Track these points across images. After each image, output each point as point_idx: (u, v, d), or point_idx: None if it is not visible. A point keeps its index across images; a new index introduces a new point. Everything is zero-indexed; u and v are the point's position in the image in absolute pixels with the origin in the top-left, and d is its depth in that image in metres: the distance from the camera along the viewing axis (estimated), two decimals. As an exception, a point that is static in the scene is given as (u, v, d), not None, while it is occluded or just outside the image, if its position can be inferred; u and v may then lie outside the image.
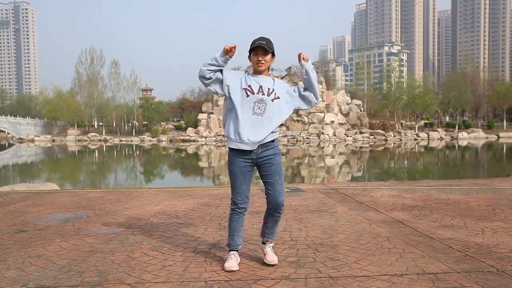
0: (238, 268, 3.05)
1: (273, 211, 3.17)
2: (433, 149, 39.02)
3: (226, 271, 3.02)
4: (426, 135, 57.74)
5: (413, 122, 66.67)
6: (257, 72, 3.13)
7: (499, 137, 58.51)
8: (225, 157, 31.06)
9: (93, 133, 65.87)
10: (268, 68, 3.17)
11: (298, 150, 37.90)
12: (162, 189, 7.55)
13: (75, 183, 16.92)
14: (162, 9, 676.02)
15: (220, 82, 3.12)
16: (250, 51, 3.08)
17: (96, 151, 40.95)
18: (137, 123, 71.03)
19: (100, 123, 74.96)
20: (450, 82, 77.43)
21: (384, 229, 4.25)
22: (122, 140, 61.05)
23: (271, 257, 3.17)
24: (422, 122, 67.23)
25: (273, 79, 3.19)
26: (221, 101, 61.62)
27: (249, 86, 3.06)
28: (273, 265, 3.12)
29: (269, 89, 3.08)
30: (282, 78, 66.03)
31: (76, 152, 40.54)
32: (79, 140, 62.75)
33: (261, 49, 3.04)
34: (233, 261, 3.09)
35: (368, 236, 4.01)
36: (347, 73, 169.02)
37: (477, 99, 76.76)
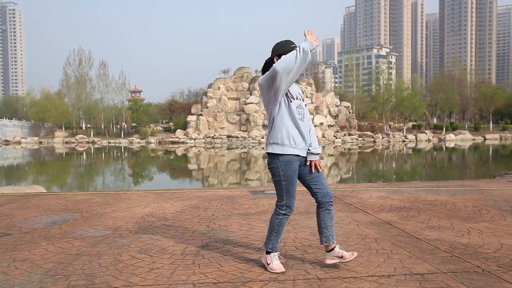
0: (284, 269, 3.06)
1: (327, 205, 3.12)
2: (421, 150, 39.37)
3: (277, 273, 3.01)
4: (414, 137, 58.27)
5: (401, 124, 67.27)
6: None
7: (485, 139, 59.26)
8: (214, 158, 30.99)
9: (81, 135, 65.25)
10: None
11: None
12: (150, 191, 7.51)
13: (62, 185, 16.74)
14: (153, 10, 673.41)
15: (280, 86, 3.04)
16: (286, 53, 3.00)
17: (84, 153, 40.57)
18: (125, 125, 70.57)
19: (88, 125, 74.36)
20: (437, 84, 78.36)
21: (372, 231, 4.27)
22: (110, 142, 60.55)
23: (348, 253, 3.08)
24: (410, 124, 67.88)
25: (298, 86, 3.29)
26: (210, 103, 61.60)
27: (289, 91, 3.09)
28: (331, 264, 3.09)
29: (299, 94, 3.18)
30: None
31: (64, 154, 40.12)
32: (66, 142, 62.12)
33: None
34: (279, 263, 3.10)
35: (356, 237, 4.03)
36: (336, 75, 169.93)
37: (464, 101, 77.74)
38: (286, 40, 3.12)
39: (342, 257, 3.08)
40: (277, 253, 3.16)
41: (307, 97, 61.14)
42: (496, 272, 2.99)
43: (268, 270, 3.08)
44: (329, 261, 3.12)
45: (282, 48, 3.06)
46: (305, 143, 3.11)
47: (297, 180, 3.15)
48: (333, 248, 3.12)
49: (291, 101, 3.05)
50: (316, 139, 3.25)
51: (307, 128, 3.14)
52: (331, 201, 3.15)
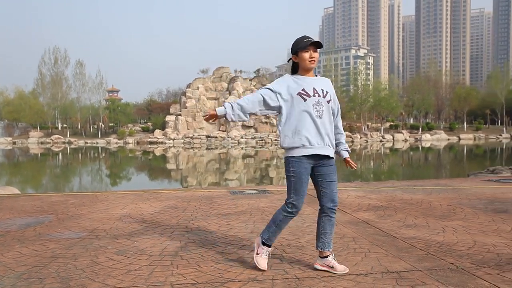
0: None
1: (329, 211, 3.06)
2: (398, 150, 40.01)
3: (259, 268, 3.03)
4: (391, 137, 59.19)
5: (379, 124, 68.23)
6: (308, 70, 3.04)
7: (460, 139, 60.63)
8: (193, 158, 30.83)
9: (56, 135, 63.99)
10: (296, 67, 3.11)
11: (266, 152, 38.07)
12: (128, 192, 7.41)
13: (37, 187, 16.39)
14: (131, 8, 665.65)
15: (268, 103, 3.05)
16: (300, 49, 2.97)
17: (60, 154, 39.79)
18: (103, 125, 69.54)
19: (64, 125, 72.95)
20: (414, 85, 79.82)
21: (350, 230, 4.32)
22: (87, 142, 59.56)
23: (341, 267, 3.02)
24: (388, 124, 68.90)
25: (326, 80, 3.15)
26: (188, 103, 61.28)
27: (303, 89, 2.99)
28: (343, 273, 2.99)
29: (323, 90, 3.03)
30: (250, 80, 66.29)
31: (39, 154, 39.27)
32: (42, 143, 60.81)
33: (313, 46, 2.98)
34: (265, 260, 3.09)
35: (335, 236, 4.05)
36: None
37: (439, 102, 79.36)
38: (302, 36, 3.03)
39: (333, 267, 3.02)
40: (270, 249, 3.14)
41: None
42: (469, 269, 3.06)
43: (253, 260, 3.12)
44: (318, 267, 3.08)
45: (297, 45, 3.00)
46: (323, 142, 3.00)
47: (309, 180, 3.07)
48: (327, 256, 3.07)
49: (305, 100, 2.98)
50: (342, 136, 3.18)
51: (326, 125, 3.01)
52: (334, 208, 3.06)
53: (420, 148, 42.41)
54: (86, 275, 3.01)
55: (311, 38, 2.98)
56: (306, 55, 2.97)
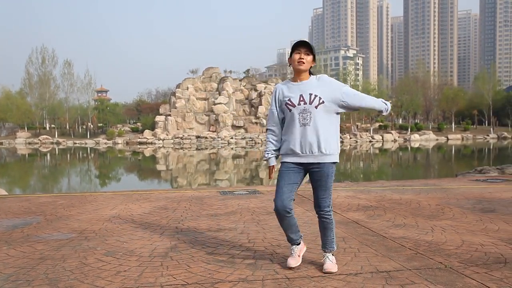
0: (298, 264, 3.14)
1: (320, 215, 3.16)
2: (387, 150, 40.29)
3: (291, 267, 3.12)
4: (381, 137, 59.55)
5: (368, 125, 68.59)
6: (298, 71, 3.05)
7: (448, 139, 61.19)
8: (183, 159, 30.73)
9: (44, 136, 63.27)
10: (310, 72, 3.11)
11: (256, 152, 38.06)
12: (117, 193, 7.37)
13: (25, 187, 16.21)
14: (117, 6, 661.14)
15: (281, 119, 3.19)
16: (292, 51, 3.05)
17: (48, 154, 39.38)
18: (91, 125, 68.98)
19: (53, 125, 72.18)
20: (402, 86, 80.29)
21: (340, 230, 4.34)
22: (76, 143, 59.01)
23: (327, 265, 3.06)
24: (377, 125, 69.27)
25: (317, 79, 3.11)
26: (178, 103, 61.05)
27: (289, 99, 3.03)
28: (329, 273, 3.01)
29: (310, 95, 3.00)
30: (240, 80, 66.26)
31: (26, 155, 38.83)
32: (29, 143, 60.10)
33: (304, 47, 3.01)
34: (293, 256, 3.19)
35: (324, 236, 4.07)
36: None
37: (428, 102, 80.00)
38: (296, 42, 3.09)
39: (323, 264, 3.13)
40: (293, 246, 3.23)
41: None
42: (458, 268, 3.09)
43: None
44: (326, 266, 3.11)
45: (291, 49, 3.09)
46: (306, 150, 3.02)
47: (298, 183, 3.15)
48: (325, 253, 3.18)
49: (290, 110, 3.03)
50: (331, 141, 3.08)
51: (313, 132, 3.00)
52: (322, 213, 3.14)
53: (409, 148, 42.76)
54: (75, 276, 2.99)
55: (304, 40, 3.03)
56: (296, 56, 3.03)
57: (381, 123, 70.69)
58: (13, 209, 5.77)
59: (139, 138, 58.28)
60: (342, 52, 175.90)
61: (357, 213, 5.25)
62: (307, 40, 3.06)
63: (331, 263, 3.08)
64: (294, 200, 3.17)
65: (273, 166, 3.22)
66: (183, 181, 17.26)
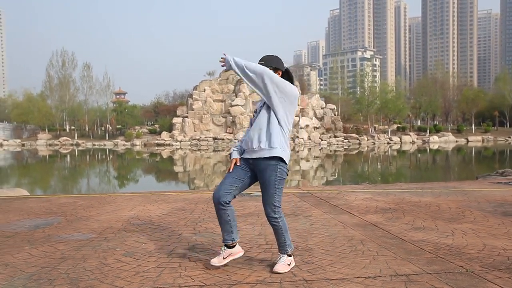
0: (219, 265, 3.13)
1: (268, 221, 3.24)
2: (405, 152, 39.81)
3: (213, 265, 3.13)
4: (399, 139, 58.87)
5: (386, 126, 67.91)
6: None
7: (468, 141, 60.20)
8: (200, 160, 30.88)
9: (64, 137, 64.35)
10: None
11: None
12: (136, 194, 7.44)
13: (45, 188, 16.50)
14: (135, 11, 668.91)
15: None
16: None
17: (68, 156, 40.03)
18: (110, 127, 69.85)
19: (72, 127, 73.37)
20: (421, 87, 79.38)
21: (358, 232, 4.30)
22: (95, 144, 59.87)
23: (276, 266, 3.11)
24: (395, 126, 68.56)
25: None
26: (195, 105, 61.41)
27: (255, 110, 3.25)
28: (275, 273, 3.05)
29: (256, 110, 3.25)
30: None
31: (47, 156, 39.55)
32: (50, 145, 61.22)
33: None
34: (219, 256, 3.19)
35: (343, 239, 4.05)
36: (321, 78, 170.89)
37: (447, 103, 78.86)
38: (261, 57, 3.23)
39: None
40: (223, 247, 3.23)
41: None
42: (479, 272, 3.04)
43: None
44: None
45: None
46: (252, 145, 3.13)
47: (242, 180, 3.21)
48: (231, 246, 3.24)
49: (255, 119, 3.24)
50: (262, 135, 3.10)
51: (257, 128, 3.13)
52: (269, 220, 3.21)
53: (428, 150, 42.18)
54: (95, 276, 3.03)
55: (260, 62, 3.14)
56: None
57: (399, 125, 69.94)
58: (35, 209, 5.88)
59: (157, 139, 58.74)
60: (359, 53, 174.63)
61: (375, 215, 5.20)
62: (261, 61, 3.14)
63: (281, 264, 3.12)
64: (235, 197, 3.22)
65: (235, 159, 3.27)
66: (201, 183, 17.34)
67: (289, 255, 3.19)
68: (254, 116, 3.23)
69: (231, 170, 3.21)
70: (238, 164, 3.22)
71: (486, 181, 9.36)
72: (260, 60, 3.16)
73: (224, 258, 3.16)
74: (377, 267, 3.17)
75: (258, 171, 3.14)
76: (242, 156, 3.22)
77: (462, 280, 2.87)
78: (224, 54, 3.09)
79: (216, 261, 3.14)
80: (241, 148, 3.26)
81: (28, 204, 6.32)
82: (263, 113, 3.13)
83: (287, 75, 3.22)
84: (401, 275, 2.99)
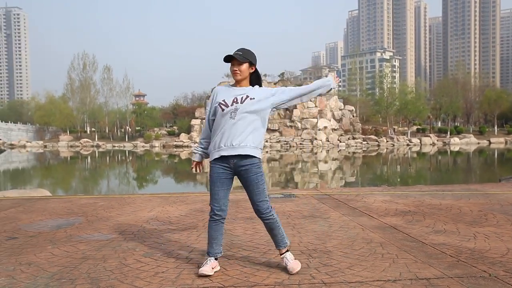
0: (211, 274, 3.05)
1: (261, 220, 3.24)
2: (426, 154, 39.25)
3: (199, 275, 3.03)
4: (419, 141, 58.05)
5: (406, 128, 67.06)
6: (235, 81, 3.20)
7: (490, 143, 58.99)
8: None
9: (85, 139, 65.47)
10: (251, 78, 3.24)
11: (291, 155, 37.94)
12: (155, 195, 7.51)
13: (67, 189, 16.79)
14: (157, 15, 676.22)
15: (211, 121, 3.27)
16: (228, 62, 3.17)
17: (89, 157, 40.69)
18: (130, 129, 70.74)
19: (93, 129, 74.60)
20: (441, 88, 78.17)
21: (377, 235, 4.26)
22: (114, 146, 60.74)
23: (289, 266, 3.12)
24: (415, 128, 67.64)
25: (254, 87, 3.23)
26: (214, 107, 61.73)
27: (223, 100, 3.13)
28: (293, 274, 3.07)
29: (244, 97, 3.12)
30: (275, 83, 66.28)
31: (68, 158, 40.26)
32: (71, 146, 62.34)
33: (235, 59, 3.13)
34: (207, 266, 3.10)
35: (362, 241, 4.01)
36: (340, 79, 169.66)
37: (468, 105, 77.49)
38: (237, 49, 3.19)
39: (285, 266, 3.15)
40: (211, 258, 3.17)
41: (311, 100, 61.05)
42: (503, 277, 2.97)
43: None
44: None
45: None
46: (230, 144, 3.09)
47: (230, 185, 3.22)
48: (281, 254, 3.23)
49: (223, 110, 3.11)
50: (247, 136, 3.10)
51: (238, 127, 3.07)
52: (262, 218, 3.19)
53: (449, 152, 41.50)
54: (115, 276, 3.07)
55: (237, 52, 3.14)
56: (231, 68, 3.17)
57: (418, 126, 68.98)
58: (57, 209, 5.99)
59: (175, 141, 59.25)
60: (378, 54, 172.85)
61: (395, 218, 5.13)
62: (238, 51, 3.13)
63: (292, 262, 3.12)
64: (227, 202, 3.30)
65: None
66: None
67: (287, 250, 3.24)
68: (223, 110, 3.14)
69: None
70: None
71: (509, 184, 9.16)
72: (237, 50, 3.14)
73: (212, 268, 3.11)
74: (397, 270, 3.13)
75: (241, 170, 3.14)
76: (221, 155, 3.12)
77: (484, 285, 2.81)
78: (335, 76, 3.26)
79: (208, 270, 3.06)
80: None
81: (50, 205, 6.44)
82: (246, 113, 3.10)
83: (256, 72, 3.27)
84: (421, 278, 2.95)
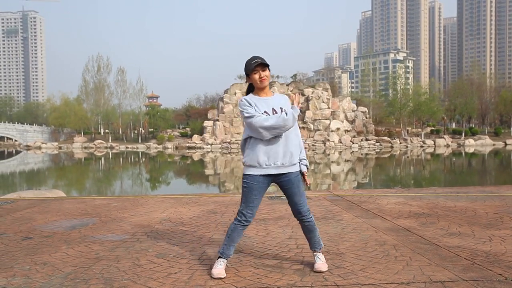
0: (223, 276, 3.05)
1: (299, 221, 3.30)
2: (440, 156, 38.81)
3: (215, 278, 3.03)
4: (433, 142, 57.46)
5: (419, 129, 66.42)
6: (261, 88, 3.17)
7: (506, 144, 58.07)
8: (231, 163, 31.07)
9: (99, 140, 66.16)
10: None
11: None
12: (168, 196, 7.55)
13: (81, 190, 16.98)
14: (170, 17, 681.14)
15: None
16: (250, 72, 3.12)
17: (102, 158, 41.09)
18: (143, 130, 71.29)
19: (106, 130, 75.32)
20: (456, 89, 77.15)
21: (390, 237, 4.22)
22: (128, 147, 61.27)
23: (317, 264, 3.22)
24: (428, 129, 66.94)
25: (277, 96, 3.27)
26: (226, 108, 61.90)
27: (265, 111, 3.11)
28: (319, 272, 3.14)
29: (281, 109, 3.14)
30: (287, 85, 66.23)
31: (83, 159, 40.71)
32: (85, 147, 63.06)
33: (260, 65, 3.12)
34: (221, 268, 3.11)
35: (375, 243, 3.98)
36: (352, 80, 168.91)
37: (483, 106, 76.37)
38: (250, 58, 3.15)
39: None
40: (225, 260, 3.17)
41: (323, 102, 60.84)
42: (519, 280, 2.92)
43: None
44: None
45: (246, 70, 3.14)
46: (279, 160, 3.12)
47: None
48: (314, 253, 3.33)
49: None
50: (296, 150, 3.21)
51: (284, 142, 3.13)
52: (303, 219, 3.24)
53: (463, 154, 40.98)
54: (128, 277, 3.09)
55: (258, 59, 3.10)
56: (256, 76, 3.12)
57: (432, 128, 68.27)
58: (71, 210, 6.06)
59: (188, 142, 59.54)
60: (392, 55, 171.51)
61: (409, 220, 5.08)
62: (259, 58, 3.11)
63: (321, 263, 3.21)
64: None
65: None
66: (231, 186, 17.44)
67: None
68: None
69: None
70: None
71: (525, 186, 9.01)
72: (256, 58, 3.11)
73: (224, 270, 3.13)
74: (410, 273, 3.10)
75: (284, 180, 3.18)
76: (262, 174, 3.12)
77: (500, 289, 2.77)
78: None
79: (222, 272, 3.07)
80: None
81: (64, 205, 6.52)
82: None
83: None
84: (436, 281, 2.92)
